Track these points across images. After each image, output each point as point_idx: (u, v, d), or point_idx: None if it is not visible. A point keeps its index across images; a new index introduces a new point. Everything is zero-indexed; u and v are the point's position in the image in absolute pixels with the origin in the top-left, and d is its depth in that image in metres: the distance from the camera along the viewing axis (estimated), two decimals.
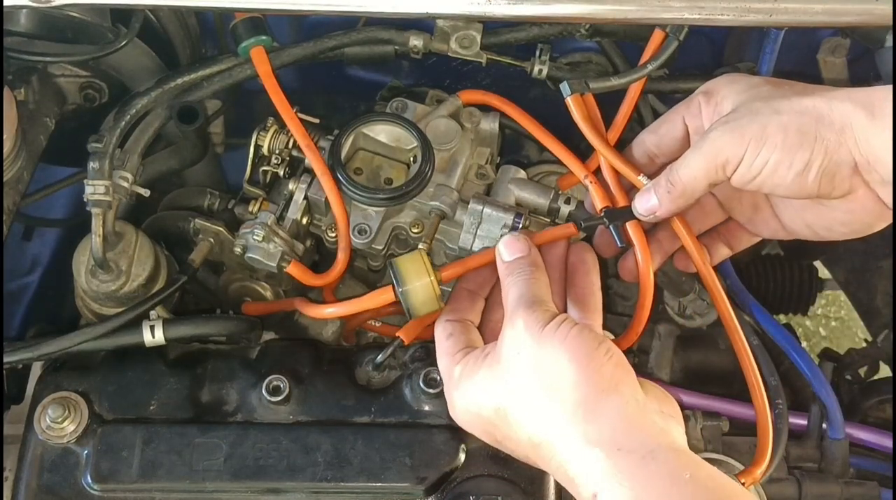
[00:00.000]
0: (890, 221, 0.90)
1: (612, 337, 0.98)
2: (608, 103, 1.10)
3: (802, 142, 0.83)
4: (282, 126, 1.14)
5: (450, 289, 1.06)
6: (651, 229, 1.02)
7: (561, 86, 1.02)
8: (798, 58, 1.35)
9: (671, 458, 0.78)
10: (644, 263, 0.98)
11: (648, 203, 0.95)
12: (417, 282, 0.97)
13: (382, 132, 1.13)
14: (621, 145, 1.12)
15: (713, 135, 0.88)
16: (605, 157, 1.01)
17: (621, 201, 1.02)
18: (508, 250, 0.95)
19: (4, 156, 1.07)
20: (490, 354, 0.90)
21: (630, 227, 0.99)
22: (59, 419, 0.99)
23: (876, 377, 1.49)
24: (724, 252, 1.05)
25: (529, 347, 0.86)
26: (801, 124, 0.83)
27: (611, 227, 0.98)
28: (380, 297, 1.03)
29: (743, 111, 0.87)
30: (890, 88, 0.83)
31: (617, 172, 1.02)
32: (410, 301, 0.98)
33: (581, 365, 0.82)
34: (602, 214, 1.00)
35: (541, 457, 0.86)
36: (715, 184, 0.90)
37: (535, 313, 0.88)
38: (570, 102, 1.02)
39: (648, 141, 0.99)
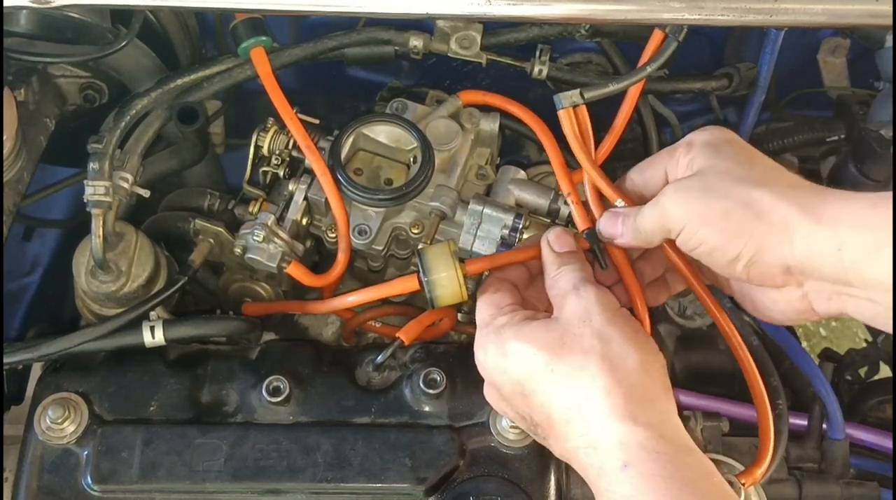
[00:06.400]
0: (815, 320, 0.90)
1: None
2: (608, 102, 1.10)
3: (739, 233, 0.83)
4: (282, 127, 1.14)
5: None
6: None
7: (554, 98, 1.00)
8: (798, 58, 1.35)
9: (704, 461, 0.84)
10: (633, 288, 0.96)
11: (613, 229, 0.95)
12: (444, 273, 0.98)
13: (382, 133, 1.13)
14: (621, 146, 1.12)
15: (664, 199, 0.88)
16: (590, 176, 0.99)
17: None
18: (559, 241, 0.96)
19: (4, 156, 1.07)
20: (545, 318, 0.90)
21: (613, 252, 0.97)
22: (59, 420, 0.99)
23: (876, 377, 1.49)
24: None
25: (599, 318, 0.87)
26: (742, 216, 0.83)
27: (595, 248, 0.97)
28: (404, 284, 1.03)
29: (697, 182, 0.87)
30: (843, 193, 0.82)
31: (600, 193, 1.00)
32: (436, 291, 0.98)
33: (646, 360, 0.85)
34: (584, 235, 0.98)
35: (566, 421, 0.86)
36: (669, 238, 0.91)
37: (607, 294, 0.89)
38: (562, 115, 1.00)
39: (637, 181, 0.98)
